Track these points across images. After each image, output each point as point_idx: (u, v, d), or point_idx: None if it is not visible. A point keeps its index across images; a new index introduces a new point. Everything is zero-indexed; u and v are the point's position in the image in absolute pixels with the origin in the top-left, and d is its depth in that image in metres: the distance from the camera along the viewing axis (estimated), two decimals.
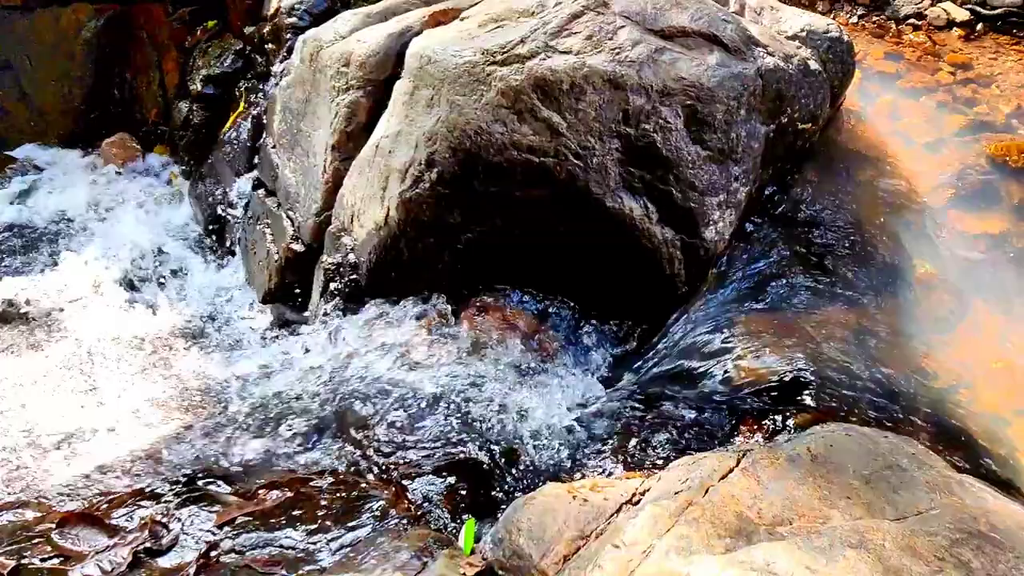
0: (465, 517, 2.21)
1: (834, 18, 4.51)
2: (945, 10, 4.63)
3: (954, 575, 1.63)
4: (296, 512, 2.19)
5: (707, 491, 1.87)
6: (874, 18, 4.75)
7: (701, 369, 2.67)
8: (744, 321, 2.81)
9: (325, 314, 3.19)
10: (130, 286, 3.94)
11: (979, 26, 4.56)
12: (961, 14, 4.60)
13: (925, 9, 4.66)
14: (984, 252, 3.25)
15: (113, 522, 2.15)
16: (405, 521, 2.17)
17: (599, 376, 2.90)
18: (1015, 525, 1.82)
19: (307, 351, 3.13)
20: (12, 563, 1.95)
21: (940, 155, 3.71)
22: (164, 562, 2.01)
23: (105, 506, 2.22)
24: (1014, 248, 3.26)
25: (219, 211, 4.23)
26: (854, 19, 4.77)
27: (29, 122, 4.93)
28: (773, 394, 2.50)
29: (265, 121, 4.04)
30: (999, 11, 4.53)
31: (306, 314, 3.50)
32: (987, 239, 3.30)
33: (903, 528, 1.75)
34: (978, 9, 4.59)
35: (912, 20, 4.66)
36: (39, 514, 2.20)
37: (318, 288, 3.34)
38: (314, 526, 2.13)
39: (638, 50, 2.94)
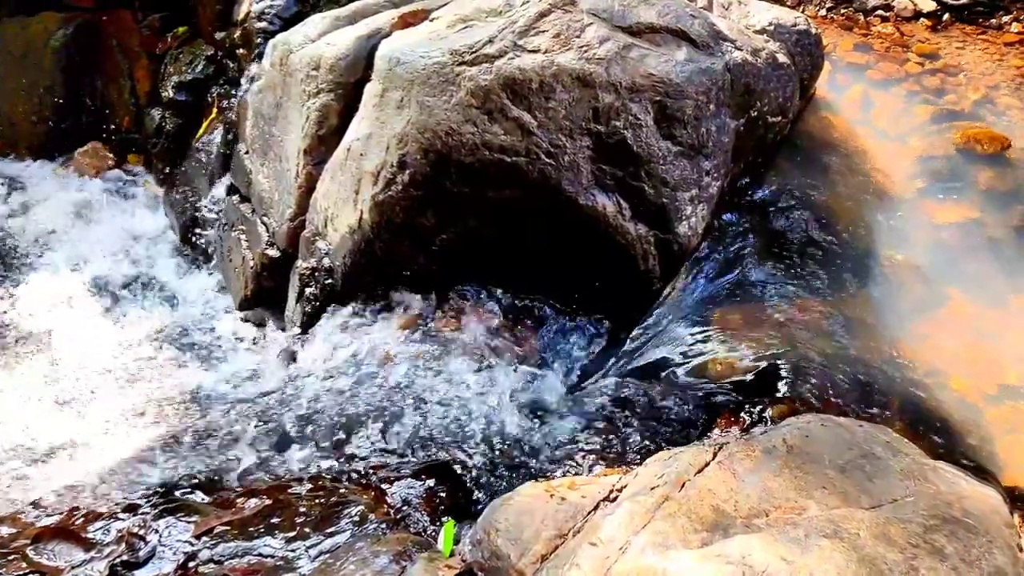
0: (444, 519, 2.20)
1: (802, 11, 4.54)
2: (912, 1, 4.67)
3: (928, 561, 1.64)
4: (275, 520, 2.17)
5: (683, 485, 1.87)
6: (842, 10, 4.79)
7: (676, 363, 2.68)
8: (718, 314, 2.82)
9: (301, 319, 3.17)
10: (104, 296, 3.91)
11: (945, 16, 4.61)
12: (928, 4, 4.65)
13: (892, 0, 4.70)
14: (954, 239, 3.28)
15: (89, 536, 2.12)
16: (384, 525, 2.16)
17: (576, 373, 2.90)
18: (988, 509, 1.84)
19: (283, 357, 3.11)
20: None
21: (910, 144, 3.76)
22: (142, 574, 2.00)
23: (81, 520, 2.19)
24: (984, 235, 3.29)
25: (194, 218, 4.20)
26: (823, 12, 4.80)
27: None
28: (748, 386, 2.51)
29: (237, 127, 4.01)
30: (964, 1, 4.58)
31: (283, 320, 3.49)
32: (957, 226, 3.34)
33: (878, 516, 1.75)
34: None
35: (880, 12, 4.70)
36: (14, 530, 2.17)
37: (294, 293, 3.32)
38: (293, 533, 2.12)
39: (606, 47, 2.95)
